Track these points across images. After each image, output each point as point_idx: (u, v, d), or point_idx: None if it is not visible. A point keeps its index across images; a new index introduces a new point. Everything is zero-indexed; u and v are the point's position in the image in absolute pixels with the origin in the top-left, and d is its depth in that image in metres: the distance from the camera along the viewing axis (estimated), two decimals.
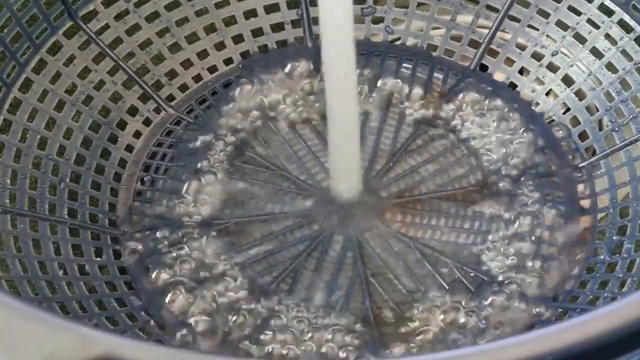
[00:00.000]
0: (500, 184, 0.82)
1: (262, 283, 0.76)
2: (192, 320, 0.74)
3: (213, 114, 0.87)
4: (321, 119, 0.86)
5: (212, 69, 0.91)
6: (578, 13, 0.86)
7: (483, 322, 0.74)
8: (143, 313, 0.75)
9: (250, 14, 0.91)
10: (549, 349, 0.29)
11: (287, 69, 0.89)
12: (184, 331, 0.73)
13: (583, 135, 0.85)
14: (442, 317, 0.74)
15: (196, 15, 0.90)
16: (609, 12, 0.84)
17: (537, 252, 0.77)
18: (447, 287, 0.76)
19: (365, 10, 0.91)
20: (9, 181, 0.77)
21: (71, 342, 0.31)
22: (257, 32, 0.92)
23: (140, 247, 0.79)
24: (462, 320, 0.74)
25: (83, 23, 0.85)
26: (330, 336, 0.73)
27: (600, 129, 0.85)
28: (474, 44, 0.90)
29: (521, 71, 0.89)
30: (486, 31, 0.89)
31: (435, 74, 0.89)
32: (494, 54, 0.89)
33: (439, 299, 0.75)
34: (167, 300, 0.75)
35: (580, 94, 0.86)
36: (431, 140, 0.85)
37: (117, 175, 0.84)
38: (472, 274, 0.76)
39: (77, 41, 0.85)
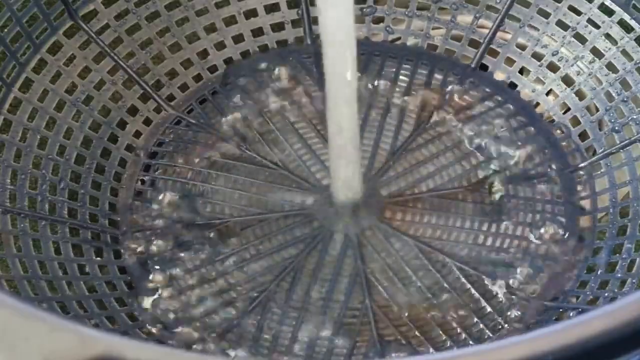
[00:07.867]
0: (500, 183, 0.82)
1: (262, 282, 0.76)
2: (188, 318, 0.74)
3: (213, 113, 0.87)
4: (321, 118, 0.86)
5: (212, 69, 0.91)
6: (578, 13, 0.86)
7: (483, 321, 0.74)
8: (140, 312, 0.75)
9: (250, 13, 0.91)
10: (549, 349, 0.29)
11: (286, 69, 0.89)
12: (180, 329, 0.74)
13: (583, 135, 0.85)
14: (442, 316, 0.74)
15: (196, 15, 0.90)
16: (609, 12, 0.84)
17: (537, 251, 0.77)
18: (446, 286, 0.76)
19: (365, 10, 0.91)
20: (9, 181, 0.77)
21: (71, 341, 0.31)
22: (257, 32, 0.92)
23: (140, 247, 0.79)
24: (461, 319, 0.74)
25: (83, 23, 0.85)
26: (330, 335, 0.73)
27: (600, 129, 0.85)
28: (474, 43, 0.90)
29: (521, 71, 0.89)
30: (486, 31, 0.89)
31: (435, 74, 0.89)
32: (494, 53, 0.89)
33: (439, 297, 0.75)
34: (165, 299, 0.75)
35: (580, 94, 0.86)
36: (431, 139, 0.85)
37: (117, 175, 0.84)
38: (472, 273, 0.76)
39: (77, 41, 0.85)
